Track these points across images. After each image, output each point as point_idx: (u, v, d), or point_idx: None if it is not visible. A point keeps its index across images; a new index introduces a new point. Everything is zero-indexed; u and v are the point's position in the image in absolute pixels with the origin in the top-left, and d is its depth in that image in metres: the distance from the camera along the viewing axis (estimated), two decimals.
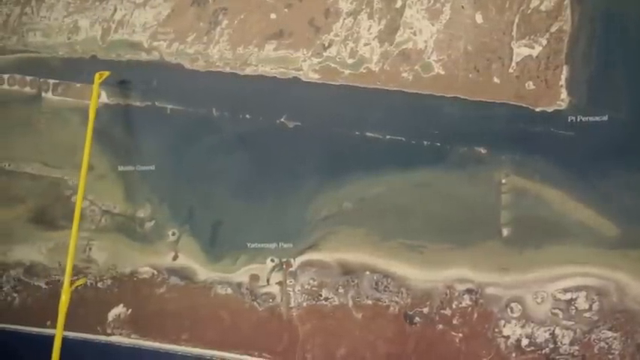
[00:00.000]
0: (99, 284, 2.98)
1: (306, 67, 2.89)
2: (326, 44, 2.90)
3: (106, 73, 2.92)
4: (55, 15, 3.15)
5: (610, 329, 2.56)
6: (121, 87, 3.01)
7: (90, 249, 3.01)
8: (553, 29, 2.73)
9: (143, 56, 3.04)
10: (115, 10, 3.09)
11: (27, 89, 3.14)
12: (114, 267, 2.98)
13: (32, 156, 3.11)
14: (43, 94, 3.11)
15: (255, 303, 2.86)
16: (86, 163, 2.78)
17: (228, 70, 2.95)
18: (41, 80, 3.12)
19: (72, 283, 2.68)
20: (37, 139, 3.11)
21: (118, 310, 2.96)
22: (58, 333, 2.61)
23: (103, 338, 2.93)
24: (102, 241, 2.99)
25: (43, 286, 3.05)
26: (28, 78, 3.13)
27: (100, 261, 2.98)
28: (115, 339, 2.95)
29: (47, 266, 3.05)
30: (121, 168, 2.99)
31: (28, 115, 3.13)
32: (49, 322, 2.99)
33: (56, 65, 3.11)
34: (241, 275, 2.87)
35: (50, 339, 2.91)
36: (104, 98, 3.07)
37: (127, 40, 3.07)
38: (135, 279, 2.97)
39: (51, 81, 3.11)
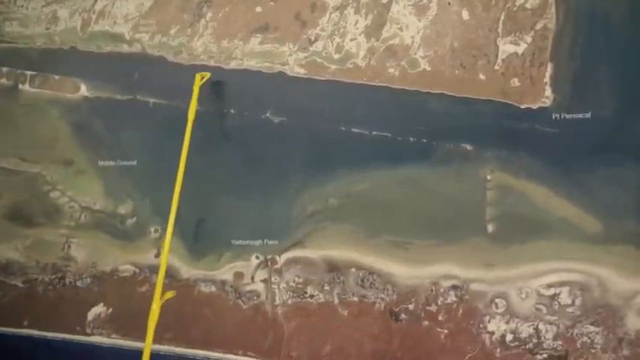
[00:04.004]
0: (78, 283, 2.89)
1: (292, 61, 2.87)
2: (312, 39, 2.87)
3: (207, 75, 2.78)
4: (33, 4, 3.06)
5: (592, 324, 2.60)
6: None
7: (69, 246, 2.92)
8: (538, 27, 2.75)
9: (125, 48, 2.98)
10: (96, 0, 3.02)
11: (3, 81, 3.04)
12: (94, 265, 2.91)
13: (9, 150, 3.01)
14: (20, 86, 3.02)
15: (239, 301, 2.82)
16: (181, 176, 2.57)
17: (212, 63, 2.91)
18: (18, 72, 3.02)
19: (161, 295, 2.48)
20: (14, 133, 3.01)
21: (98, 310, 2.89)
22: (148, 343, 2.43)
23: (82, 338, 2.85)
24: (81, 239, 2.91)
25: (20, 284, 2.95)
26: (4, 69, 3.03)
27: (79, 259, 2.89)
28: (95, 339, 2.87)
29: (24, 264, 2.95)
30: (101, 163, 2.92)
31: (4, 108, 3.03)
32: (26, 322, 2.90)
33: (34, 56, 3.02)
34: (225, 273, 2.83)
35: (27, 340, 2.82)
36: (84, 91, 2.99)
37: (108, 31, 3.00)
38: (115, 277, 2.89)
39: (28, 72, 3.02)
